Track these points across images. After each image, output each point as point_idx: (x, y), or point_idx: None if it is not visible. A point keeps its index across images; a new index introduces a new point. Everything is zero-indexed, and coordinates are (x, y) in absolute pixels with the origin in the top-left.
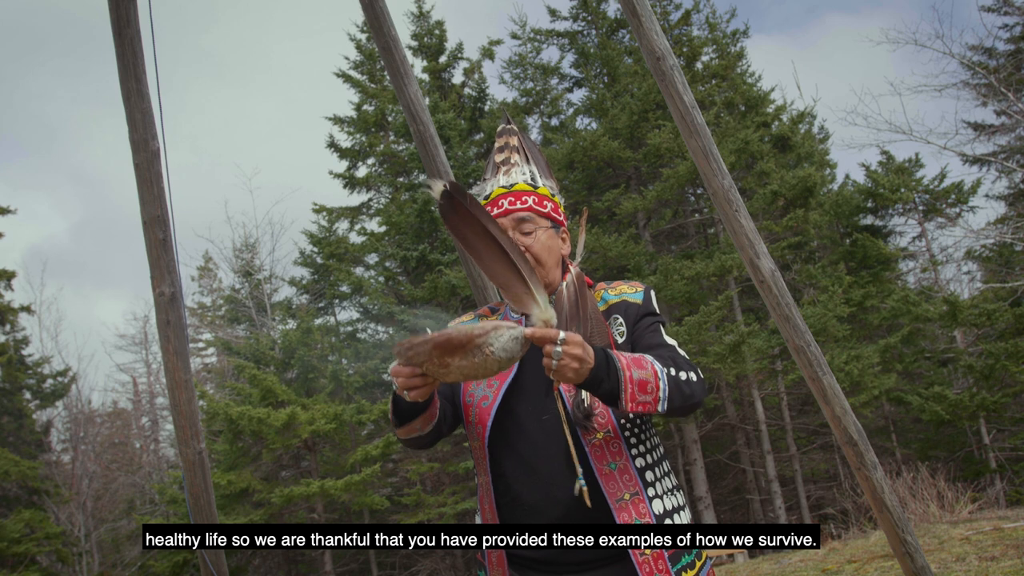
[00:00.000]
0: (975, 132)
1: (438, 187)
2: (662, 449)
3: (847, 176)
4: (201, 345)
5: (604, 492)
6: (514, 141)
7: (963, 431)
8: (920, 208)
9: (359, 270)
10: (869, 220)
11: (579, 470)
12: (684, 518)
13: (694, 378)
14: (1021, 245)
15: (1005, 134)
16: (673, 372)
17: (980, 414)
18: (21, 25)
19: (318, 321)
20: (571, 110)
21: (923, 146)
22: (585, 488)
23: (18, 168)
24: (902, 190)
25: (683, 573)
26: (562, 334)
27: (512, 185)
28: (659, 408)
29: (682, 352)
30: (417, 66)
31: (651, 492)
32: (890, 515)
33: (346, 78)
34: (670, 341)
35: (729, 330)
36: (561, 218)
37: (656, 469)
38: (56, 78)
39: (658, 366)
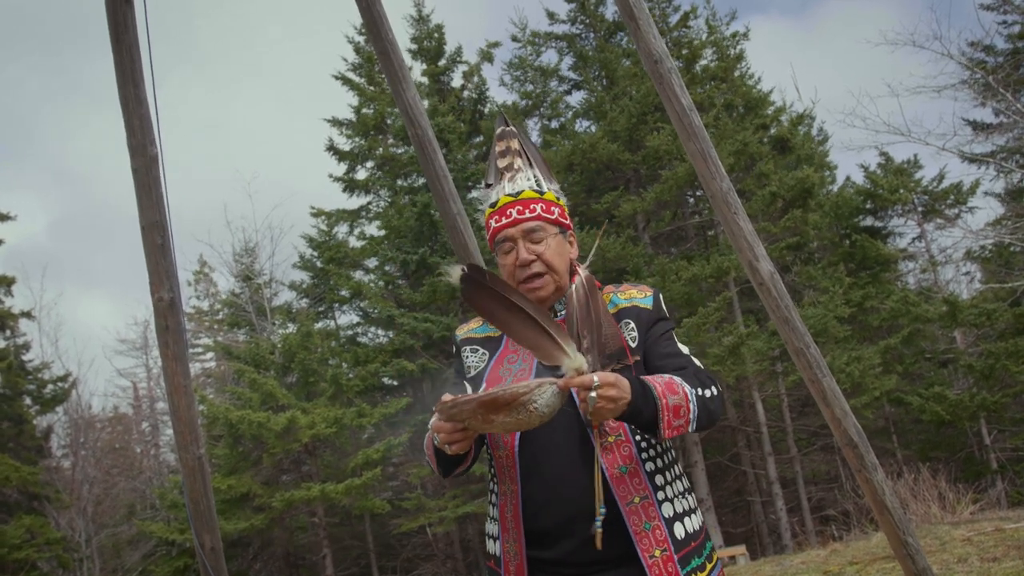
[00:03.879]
0: (974, 132)
1: (456, 273)
2: (673, 453)
3: (847, 177)
4: (200, 350)
5: (615, 495)
6: (515, 144)
7: (964, 432)
8: (919, 209)
9: (359, 274)
10: (868, 221)
11: (600, 510)
12: (695, 522)
13: (715, 392)
14: (1020, 245)
15: (1003, 134)
16: (700, 392)
17: (981, 414)
18: None
19: (318, 325)
20: (570, 113)
21: (922, 147)
22: (600, 531)
23: None
24: (901, 191)
25: (693, 575)
26: (596, 379)
27: (519, 193)
28: (688, 429)
29: (697, 361)
30: (416, 69)
31: (661, 496)
32: (891, 516)
33: (345, 81)
34: (684, 350)
35: (728, 332)
36: (567, 221)
37: (667, 473)
38: (27, 71)
39: (687, 388)
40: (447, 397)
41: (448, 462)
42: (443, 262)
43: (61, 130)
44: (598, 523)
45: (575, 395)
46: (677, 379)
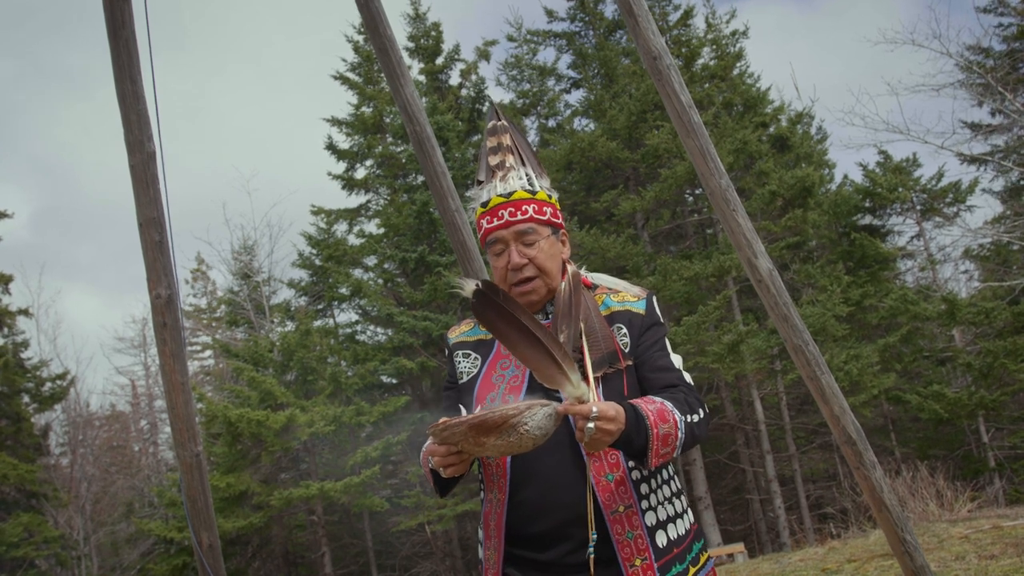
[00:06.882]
0: (972, 132)
1: (470, 287)
2: None
3: (845, 176)
4: (198, 347)
5: (600, 503)
6: (507, 140)
7: (962, 430)
8: (918, 207)
9: (358, 272)
10: (867, 220)
11: (592, 536)
12: (680, 527)
13: (702, 415)
14: (1018, 244)
15: (1002, 133)
16: (689, 418)
17: (979, 412)
18: None
19: (317, 323)
20: (568, 111)
21: (920, 145)
22: (593, 556)
23: None
24: (900, 189)
25: None
26: (595, 409)
27: (511, 194)
28: (674, 455)
29: (687, 377)
30: (414, 67)
31: (644, 504)
32: (889, 514)
33: (343, 80)
34: (676, 362)
35: (728, 330)
36: (559, 220)
37: (652, 480)
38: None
39: (678, 415)
40: (442, 420)
41: (445, 483)
42: (442, 260)
43: (40, 121)
44: (591, 550)
45: (572, 422)
46: (669, 405)
